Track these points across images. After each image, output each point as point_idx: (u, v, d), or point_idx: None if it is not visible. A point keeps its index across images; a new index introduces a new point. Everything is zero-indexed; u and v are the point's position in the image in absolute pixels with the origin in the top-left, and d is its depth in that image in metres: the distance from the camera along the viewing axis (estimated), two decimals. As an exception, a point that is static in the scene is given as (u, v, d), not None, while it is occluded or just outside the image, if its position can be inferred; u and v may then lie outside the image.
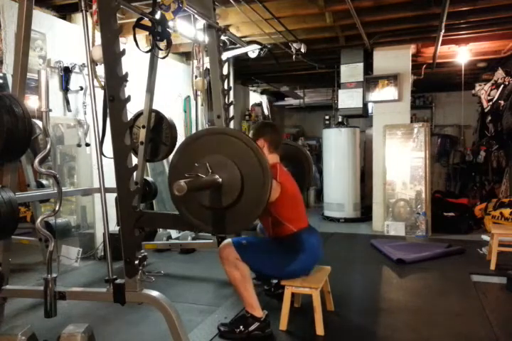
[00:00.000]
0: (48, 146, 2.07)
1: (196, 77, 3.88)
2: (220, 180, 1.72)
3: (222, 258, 2.33)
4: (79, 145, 3.87)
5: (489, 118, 5.79)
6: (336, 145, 6.14)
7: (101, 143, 2.18)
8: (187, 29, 3.99)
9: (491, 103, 5.63)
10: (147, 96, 3.18)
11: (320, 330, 2.33)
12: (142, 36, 4.15)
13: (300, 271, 2.42)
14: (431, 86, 7.61)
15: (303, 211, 2.55)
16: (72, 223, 3.93)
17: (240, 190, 1.70)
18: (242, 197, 1.72)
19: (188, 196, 1.64)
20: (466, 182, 7.23)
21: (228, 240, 2.39)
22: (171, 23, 2.61)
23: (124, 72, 1.94)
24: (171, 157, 5.24)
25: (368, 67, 5.66)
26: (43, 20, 3.58)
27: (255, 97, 8.46)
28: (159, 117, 3.35)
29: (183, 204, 1.83)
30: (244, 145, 1.72)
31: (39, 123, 2.61)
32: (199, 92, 3.98)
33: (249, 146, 1.72)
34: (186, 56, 5.70)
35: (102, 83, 2.16)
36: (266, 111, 8.35)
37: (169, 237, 4.40)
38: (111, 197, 2.15)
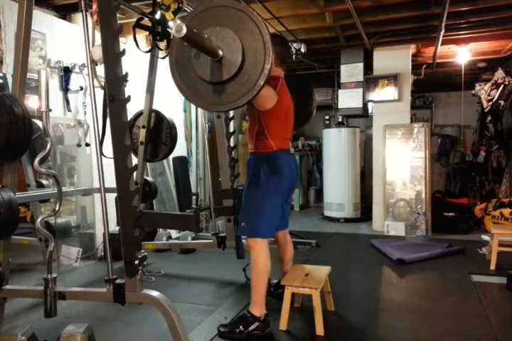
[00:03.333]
0: (48, 146, 2.07)
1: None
2: (221, 52, 1.68)
3: (250, 247, 2.40)
4: (79, 145, 3.87)
5: (489, 118, 5.79)
6: (336, 145, 6.14)
7: (101, 143, 2.18)
8: (187, 29, 3.99)
9: (491, 103, 5.63)
10: (147, 96, 3.18)
11: (320, 330, 2.33)
12: (142, 36, 4.15)
13: (281, 190, 2.44)
14: (431, 86, 7.61)
15: (290, 133, 2.54)
16: (72, 223, 3.92)
17: (240, 64, 1.67)
18: (242, 71, 1.68)
19: (187, 63, 1.63)
20: (466, 182, 7.22)
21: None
22: (171, 23, 2.61)
23: (124, 72, 1.94)
24: (171, 157, 5.24)
25: (368, 67, 5.66)
26: (43, 20, 3.58)
27: (255, 97, 8.44)
28: (159, 117, 3.35)
29: (180, 71, 1.79)
30: (258, 30, 1.67)
31: (39, 123, 2.62)
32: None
33: (262, 34, 1.67)
34: (186, 56, 5.69)
35: (102, 83, 2.17)
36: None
37: (169, 237, 4.40)
38: (111, 197, 2.15)
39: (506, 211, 4.78)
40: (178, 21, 1.45)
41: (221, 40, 1.69)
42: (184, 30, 1.42)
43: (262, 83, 1.67)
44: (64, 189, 2.92)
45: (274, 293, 2.91)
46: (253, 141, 2.46)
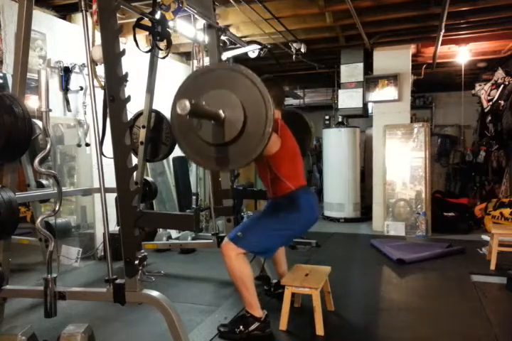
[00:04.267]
0: (48, 146, 2.07)
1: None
2: (224, 115, 1.70)
3: (225, 256, 2.33)
4: (79, 145, 3.87)
5: (489, 118, 5.79)
6: (336, 145, 6.14)
7: (101, 143, 2.18)
8: (187, 29, 3.99)
9: (491, 103, 5.63)
10: (147, 96, 3.18)
11: (320, 330, 2.33)
12: (142, 36, 4.15)
13: (299, 230, 2.45)
14: (431, 86, 7.61)
15: (301, 169, 2.56)
16: (72, 223, 3.93)
17: (242, 125, 1.69)
18: (243, 133, 1.70)
19: (189, 128, 1.65)
20: (466, 182, 7.22)
21: (225, 239, 2.41)
22: (171, 23, 2.61)
23: (124, 72, 1.94)
24: (171, 157, 5.24)
25: (368, 67, 5.66)
26: (43, 20, 3.58)
27: (255, 97, 8.44)
28: (159, 117, 3.35)
29: (184, 137, 1.81)
30: (250, 82, 1.70)
31: (39, 123, 2.62)
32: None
33: (255, 84, 1.69)
34: (186, 56, 5.70)
35: (102, 83, 2.16)
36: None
37: (169, 237, 4.40)
38: (111, 197, 2.14)
39: (506, 211, 4.78)
40: (181, 99, 1.48)
41: (222, 103, 1.71)
42: (188, 107, 1.47)
43: (264, 145, 1.70)
44: (64, 189, 2.92)
45: (274, 293, 2.91)
46: (270, 187, 2.47)
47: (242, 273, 2.30)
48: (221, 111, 1.70)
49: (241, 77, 1.72)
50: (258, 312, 2.34)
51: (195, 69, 3.83)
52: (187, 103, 1.47)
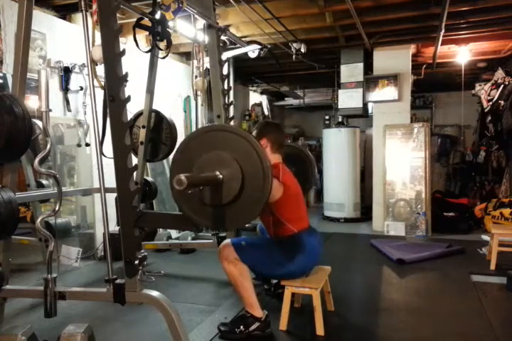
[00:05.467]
0: (48, 146, 2.07)
1: (196, 77, 3.88)
2: (221, 176, 1.71)
3: (222, 258, 2.33)
4: (79, 145, 3.87)
5: (489, 118, 5.79)
6: (336, 145, 6.14)
7: (101, 143, 2.18)
8: (187, 29, 3.99)
9: (491, 103, 5.63)
10: (147, 96, 3.18)
11: (320, 330, 2.33)
12: (142, 36, 4.15)
13: (299, 271, 2.42)
14: (431, 86, 7.61)
15: (304, 211, 2.54)
16: (72, 223, 3.92)
17: (240, 187, 1.70)
18: (242, 195, 1.71)
19: (189, 192, 1.64)
20: (466, 182, 7.23)
21: (227, 240, 2.40)
22: (171, 23, 2.61)
23: (124, 72, 1.94)
24: (171, 157, 5.24)
25: (368, 67, 5.66)
26: (43, 20, 3.58)
27: (255, 97, 8.46)
28: (159, 117, 3.35)
29: (183, 200, 1.82)
30: (247, 142, 1.71)
31: (39, 123, 2.61)
32: (199, 92, 3.98)
33: (252, 144, 1.71)
34: (186, 56, 5.69)
35: (102, 83, 2.16)
36: (266, 111, 8.35)
37: (169, 237, 4.40)
38: (111, 197, 2.15)
39: (506, 211, 4.78)
40: (182, 176, 1.49)
41: (220, 165, 1.72)
42: (185, 182, 1.48)
43: (265, 200, 1.70)
44: (64, 189, 2.92)
45: (274, 292, 2.91)
46: (271, 228, 2.45)
47: (240, 274, 2.30)
48: (218, 173, 1.70)
49: (229, 134, 1.74)
50: (258, 312, 2.34)
51: (195, 69, 3.84)
52: (183, 178, 1.48)
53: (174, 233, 4.61)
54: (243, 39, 4.83)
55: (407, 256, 3.85)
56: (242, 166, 1.70)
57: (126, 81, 1.95)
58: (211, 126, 1.98)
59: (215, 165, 1.72)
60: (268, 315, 2.37)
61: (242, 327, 2.32)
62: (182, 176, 1.49)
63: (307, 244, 2.39)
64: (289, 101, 8.59)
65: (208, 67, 3.29)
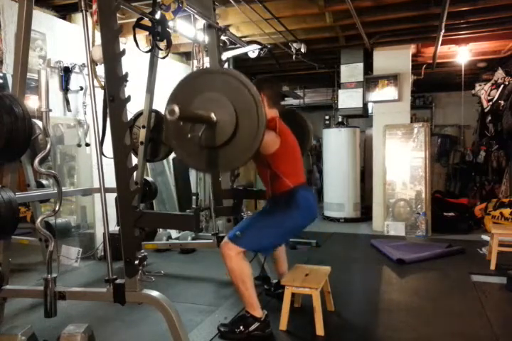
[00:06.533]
0: (48, 146, 2.07)
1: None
2: (215, 118, 1.70)
3: (224, 255, 2.34)
4: (79, 145, 3.87)
5: (489, 118, 5.79)
6: (336, 145, 6.14)
7: (101, 143, 2.18)
8: (187, 29, 3.99)
9: (491, 103, 5.63)
10: (147, 96, 3.18)
11: (320, 330, 2.33)
12: (142, 36, 4.15)
13: (296, 227, 2.45)
14: (431, 86, 7.61)
15: (301, 167, 2.57)
16: (72, 223, 3.92)
17: (234, 129, 1.69)
18: (236, 136, 1.70)
19: (183, 132, 1.66)
20: (466, 182, 7.23)
21: (224, 239, 2.42)
22: (171, 23, 2.61)
23: (124, 72, 1.94)
24: (171, 157, 5.22)
25: (368, 67, 5.66)
26: (43, 20, 3.58)
27: (255, 97, 8.43)
28: (159, 117, 3.35)
29: (177, 140, 1.82)
30: (243, 86, 1.69)
31: (39, 123, 2.61)
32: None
33: (246, 86, 1.69)
34: (186, 56, 5.70)
35: (102, 83, 2.16)
36: (266, 111, 8.33)
37: (169, 237, 4.40)
38: (111, 197, 2.14)
39: (506, 211, 4.78)
40: (170, 104, 1.47)
41: (214, 106, 1.71)
42: (177, 113, 1.46)
43: (257, 146, 1.69)
44: (64, 189, 2.92)
45: (274, 292, 2.91)
46: (269, 184, 2.47)
47: (242, 272, 2.30)
48: (213, 115, 1.70)
49: (232, 79, 1.72)
50: (258, 312, 2.34)
51: (195, 69, 3.84)
52: (176, 108, 1.46)
53: (174, 233, 4.61)
54: (243, 39, 4.83)
55: (407, 256, 3.85)
56: (236, 109, 1.69)
57: (126, 81, 1.95)
58: (211, 69, 1.95)
59: (211, 105, 1.71)
60: (268, 315, 2.37)
61: (241, 327, 2.32)
62: (175, 106, 1.47)
63: (302, 198, 2.42)
64: (289, 101, 8.58)
65: (208, 67, 3.29)
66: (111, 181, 2.00)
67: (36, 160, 2.01)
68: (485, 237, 4.55)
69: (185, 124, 1.79)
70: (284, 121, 2.53)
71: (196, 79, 1.82)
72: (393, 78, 5.31)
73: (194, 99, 1.75)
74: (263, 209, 2.61)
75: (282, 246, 2.85)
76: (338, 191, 6.10)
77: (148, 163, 4.24)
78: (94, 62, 2.12)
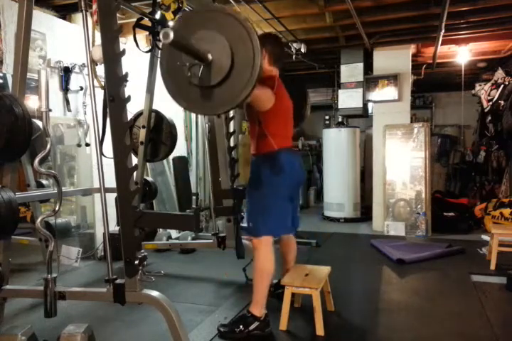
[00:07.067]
0: (48, 146, 2.07)
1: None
2: (211, 56, 1.68)
3: (255, 248, 2.40)
4: (79, 145, 3.87)
5: (489, 118, 5.79)
6: (336, 145, 6.14)
7: (101, 143, 2.18)
8: (187, 29, 3.99)
9: (491, 103, 5.63)
10: (147, 96, 3.18)
11: (320, 330, 2.33)
12: (142, 36, 4.15)
13: (288, 190, 2.44)
14: (431, 86, 7.61)
15: (290, 131, 2.55)
16: (72, 223, 3.92)
17: (229, 67, 1.67)
18: (231, 75, 1.68)
19: (177, 68, 1.65)
20: (466, 182, 7.23)
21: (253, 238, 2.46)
22: (170, 23, 2.61)
23: (124, 72, 1.94)
24: (171, 157, 5.22)
25: (368, 67, 5.66)
26: (43, 20, 3.58)
27: (255, 97, 8.43)
28: (159, 117, 3.35)
29: (171, 76, 1.80)
30: (242, 27, 1.67)
31: (39, 123, 2.62)
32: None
33: (244, 26, 1.67)
34: (186, 56, 5.69)
35: (102, 83, 2.16)
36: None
37: (169, 237, 4.40)
38: (111, 197, 2.15)
39: (506, 211, 4.78)
40: (169, 30, 1.44)
41: (210, 44, 1.69)
42: (171, 36, 1.42)
43: (252, 87, 1.67)
44: (64, 189, 2.92)
45: (274, 293, 2.91)
46: (255, 142, 2.46)
47: (263, 265, 2.36)
48: (209, 54, 1.67)
49: (233, 21, 1.68)
50: (260, 311, 2.35)
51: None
52: (171, 33, 1.42)
53: (174, 233, 4.61)
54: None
55: (407, 256, 3.85)
56: (232, 47, 1.67)
57: (126, 81, 1.95)
58: (214, 6, 1.92)
59: (208, 43, 1.69)
60: (267, 314, 2.38)
61: (241, 326, 2.33)
62: (169, 30, 1.43)
63: (286, 160, 2.40)
64: (289, 101, 8.57)
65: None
66: (111, 181, 2.00)
67: (36, 160, 2.01)
68: (485, 237, 4.55)
69: (180, 61, 1.76)
70: (285, 84, 2.51)
71: (198, 15, 1.79)
72: (393, 78, 5.31)
73: (193, 34, 1.71)
74: (250, 182, 2.54)
75: (293, 248, 2.89)
76: (338, 191, 6.10)
77: (148, 163, 4.24)
78: (94, 62, 2.12)
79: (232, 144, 3.40)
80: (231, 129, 3.48)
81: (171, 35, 1.42)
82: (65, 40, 3.74)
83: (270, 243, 2.39)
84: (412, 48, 5.37)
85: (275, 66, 2.49)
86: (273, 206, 2.40)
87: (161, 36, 1.43)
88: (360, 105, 5.67)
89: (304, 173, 2.58)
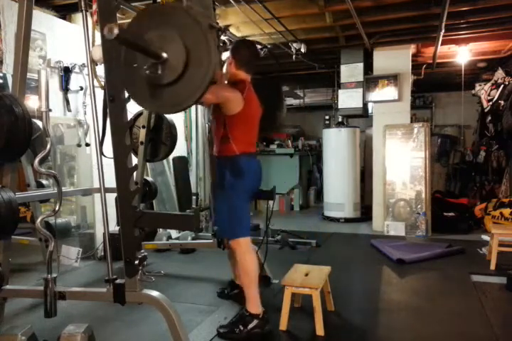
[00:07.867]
0: (48, 146, 2.06)
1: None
2: (165, 55, 1.65)
3: (235, 250, 2.45)
4: (79, 145, 3.87)
5: (489, 118, 5.79)
6: (336, 145, 6.14)
7: (101, 143, 2.18)
8: (187, 29, 3.99)
9: (491, 103, 5.63)
10: (147, 96, 3.17)
11: (320, 330, 2.33)
12: (142, 36, 4.14)
13: (246, 194, 2.47)
14: (431, 86, 7.61)
15: (254, 137, 2.56)
16: (72, 223, 3.92)
17: (183, 66, 1.64)
18: (185, 75, 1.66)
19: (135, 65, 1.63)
20: (466, 182, 7.23)
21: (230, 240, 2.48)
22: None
23: (124, 72, 1.93)
24: (171, 157, 5.22)
25: (368, 67, 5.66)
26: (43, 20, 3.58)
27: (255, 97, 8.43)
28: (159, 117, 3.34)
29: (127, 74, 1.78)
30: (194, 22, 1.65)
31: (39, 123, 2.61)
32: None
33: (199, 24, 1.64)
34: (186, 56, 5.68)
35: (102, 83, 2.16)
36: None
37: (169, 237, 4.40)
38: (111, 197, 2.15)
39: (506, 211, 4.78)
40: (113, 25, 1.39)
41: (165, 43, 1.66)
42: (116, 31, 1.38)
43: (206, 85, 1.64)
44: (64, 189, 2.92)
45: (230, 294, 2.91)
46: (218, 144, 2.49)
47: (247, 265, 2.39)
48: (162, 52, 1.64)
49: (189, 19, 1.65)
50: (256, 309, 2.35)
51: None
52: (115, 28, 1.37)
53: (174, 233, 4.61)
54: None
55: (407, 256, 3.85)
56: (187, 45, 1.63)
57: (126, 81, 1.94)
58: (171, 4, 1.90)
59: (163, 41, 1.66)
60: (266, 312, 2.38)
61: (241, 326, 2.33)
62: (114, 25, 1.38)
63: (245, 165, 2.43)
64: (289, 101, 8.58)
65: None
66: (111, 181, 2.00)
67: (36, 160, 2.01)
68: (485, 237, 4.55)
69: (137, 58, 1.72)
70: (259, 88, 2.53)
71: (154, 13, 1.75)
72: (393, 78, 5.31)
73: (148, 32, 1.68)
74: (216, 182, 2.60)
75: None
76: (338, 191, 6.10)
77: (148, 163, 4.24)
78: (94, 62, 2.12)
79: (232, 144, 3.39)
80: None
81: (115, 30, 1.37)
82: (65, 40, 3.74)
83: (248, 242, 2.44)
84: (412, 48, 5.37)
85: (243, 70, 2.49)
86: (239, 207, 2.44)
87: (105, 31, 1.38)
88: (360, 105, 5.67)
89: (260, 179, 2.61)
